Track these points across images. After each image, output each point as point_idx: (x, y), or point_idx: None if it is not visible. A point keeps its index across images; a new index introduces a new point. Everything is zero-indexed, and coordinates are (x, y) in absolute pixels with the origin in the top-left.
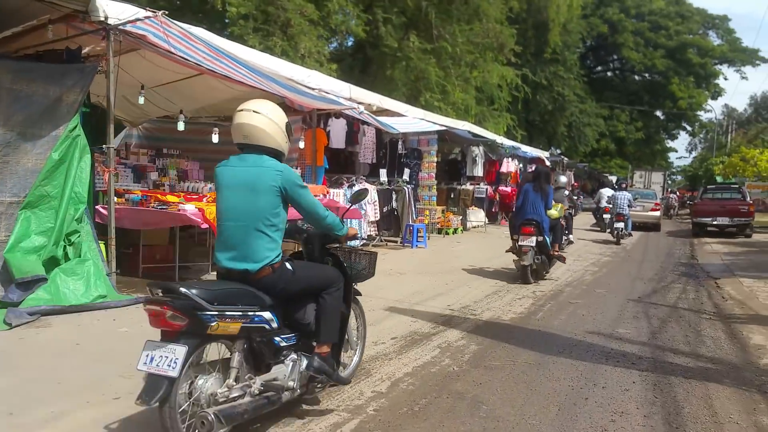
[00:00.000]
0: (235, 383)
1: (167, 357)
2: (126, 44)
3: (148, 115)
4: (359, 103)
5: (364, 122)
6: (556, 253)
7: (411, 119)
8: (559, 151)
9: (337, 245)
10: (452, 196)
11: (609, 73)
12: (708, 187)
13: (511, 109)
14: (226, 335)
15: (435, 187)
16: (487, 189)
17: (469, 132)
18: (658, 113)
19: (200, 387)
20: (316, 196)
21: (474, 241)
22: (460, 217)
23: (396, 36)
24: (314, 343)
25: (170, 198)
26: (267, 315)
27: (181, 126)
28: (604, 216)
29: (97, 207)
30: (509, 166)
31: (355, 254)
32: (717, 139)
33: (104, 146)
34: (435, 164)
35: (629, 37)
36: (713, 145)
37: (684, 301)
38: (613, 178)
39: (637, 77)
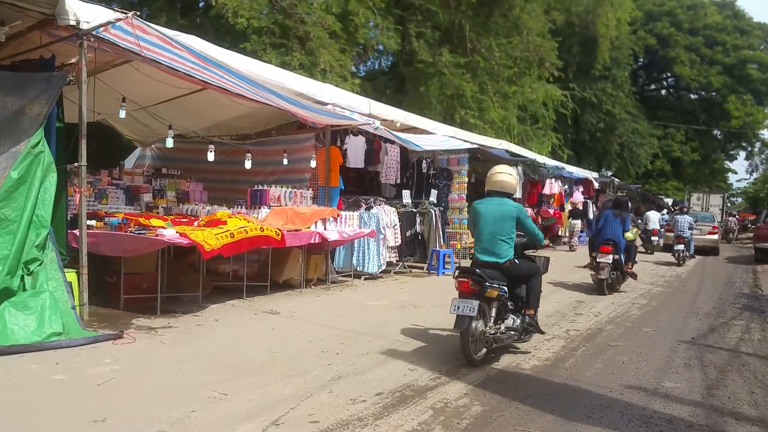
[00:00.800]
0: (493, 325)
1: (468, 306)
2: (117, 55)
3: (156, 134)
4: (382, 120)
5: (387, 140)
6: (629, 270)
7: (440, 137)
8: (610, 173)
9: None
10: None
11: (663, 92)
12: None
13: (557, 128)
14: (491, 297)
15: (466, 209)
16: (519, 206)
17: (506, 151)
18: (716, 132)
19: (478, 326)
20: (324, 219)
21: None
22: None
23: (429, 51)
24: (524, 310)
25: (154, 222)
26: (506, 288)
27: (169, 143)
28: (652, 238)
29: (74, 231)
30: (552, 187)
31: (536, 257)
32: None
33: (76, 164)
34: (466, 185)
35: (681, 53)
36: None
37: (747, 343)
38: (669, 201)
39: (692, 95)
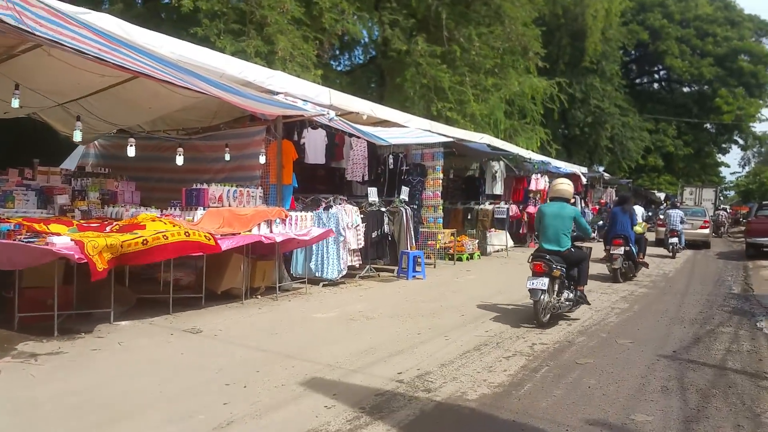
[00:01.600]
0: (557, 297)
1: (540, 281)
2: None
3: (95, 129)
4: (346, 112)
5: (352, 134)
6: (641, 260)
7: (413, 130)
8: (602, 169)
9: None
10: (469, 217)
11: (655, 85)
12: (764, 203)
13: (545, 123)
14: (555, 276)
15: (441, 207)
16: (508, 209)
17: (487, 145)
18: (708, 126)
19: (545, 297)
20: (270, 221)
21: (488, 269)
22: (477, 240)
23: (404, 40)
24: (577, 287)
25: (54, 227)
26: (565, 269)
27: (77, 136)
28: None
29: None
30: (538, 183)
31: (584, 247)
32: None
33: None
34: (441, 181)
35: (673, 45)
36: None
37: (736, 356)
38: (662, 195)
39: (685, 89)
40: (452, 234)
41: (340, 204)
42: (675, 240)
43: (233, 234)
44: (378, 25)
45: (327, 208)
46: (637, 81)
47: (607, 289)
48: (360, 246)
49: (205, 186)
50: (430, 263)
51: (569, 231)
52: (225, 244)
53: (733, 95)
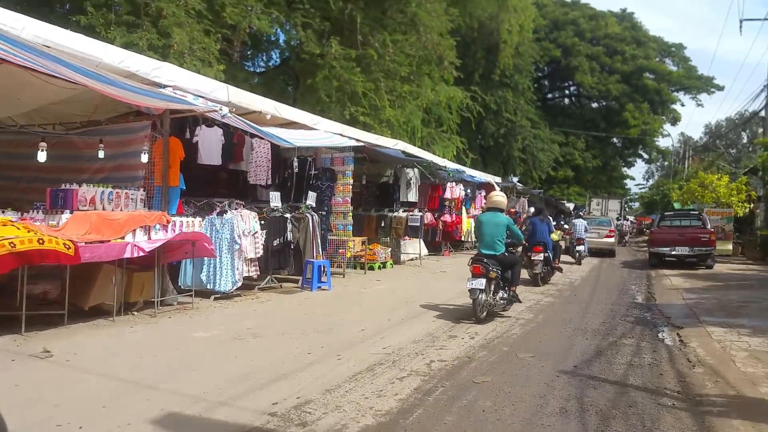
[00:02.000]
0: (493, 296)
1: (479, 282)
2: None
3: None
4: (249, 111)
5: (254, 135)
6: (556, 265)
7: (321, 133)
8: (516, 179)
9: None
10: (383, 224)
11: (566, 100)
12: (665, 213)
13: (461, 132)
14: (491, 278)
15: (351, 214)
16: (422, 216)
17: (402, 152)
18: (615, 140)
19: (482, 297)
20: (148, 227)
21: (399, 278)
22: (390, 249)
23: (317, 42)
24: (510, 287)
25: None
26: (500, 272)
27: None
28: None
29: None
30: (453, 191)
31: (514, 253)
32: (673, 166)
33: None
34: (351, 187)
35: (583, 61)
36: (670, 172)
37: (637, 371)
38: (571, 206)
39: (594, 104)
40: (363, 242)
41: (236, 209)
42: (581, 248)
43: (102, 241)
44: (291, 26)
45: (221, 213)
46: (549, 96)
47: (522, 296)
48: (259, 255)
49: (74, 186)
50: (340, 273)
51: (503, 237)
52: (87, 254)
53: (639, 110)
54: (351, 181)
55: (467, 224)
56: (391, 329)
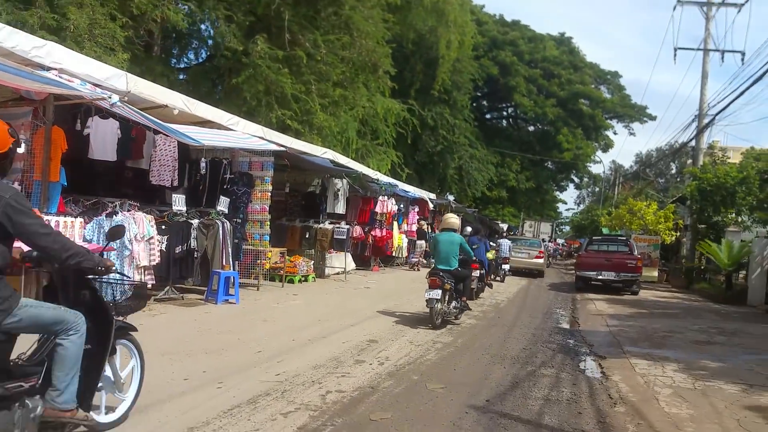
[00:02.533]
0: (447, 305)
1: (435, 293)
2: None
3: None
4: (157, 105)
5: (158, 131)
6: (489, 281)
7: (239, 134)
8: (452, 197)
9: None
10: (307, 236)
11: (504, 122)
12: (593, 238)
13: (397, 146)
14: (446, 289)
15: (268, 223)
16: (348, 229)
17: (331, 161)
18: (549, 164)
19: (438, 306)
20: None
21: (319, 293)
22: (312, 261)
23: (241, 38)
24: (461, 297)
25: None
26: (453, 284)
27: None
28: None
29: None
30: (385, 205)
31: (466, 268)
32: (604, 192)
33: None
34: (269, 194)
35: (521, 82)
36: (600, 197)
37: (554, 407)
38: (505, 226)
39: (530, 128)
40: (282, 253)
41: (129, 210)
42: (506, 266)
43: None
44: (210, 20)
45: (111, 214)
46: (488, 116)
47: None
48: (154, 262)
49: None
50: (254, 286)
51: (457, 254)
52: None
53: (573, 135)
54: (270, 187)
55: (398, 239)
56: (294, 351)
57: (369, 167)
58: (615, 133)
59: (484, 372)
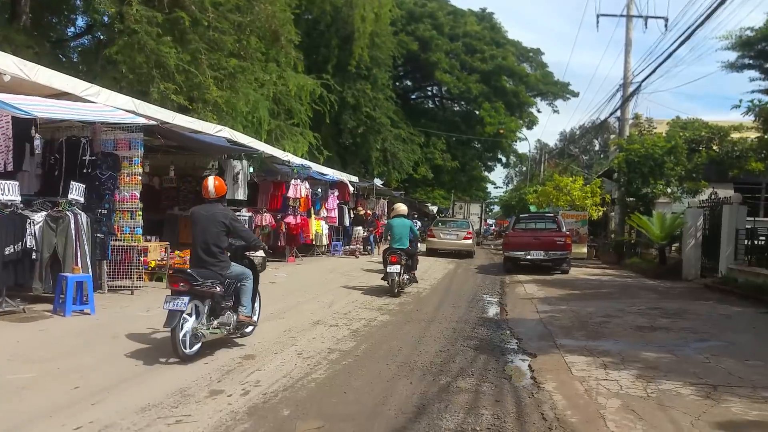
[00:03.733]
0: (404, 277)
1: (396, 267)
2: None
3: None
4: None
5: None
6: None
7: (99, 107)
8: (381, 181)
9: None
10: None
11: (429, 103)
12: (520, 216)
13: (315, 127)
14: (402, 264)
15: (140, 213)
16: (251, 217)
17: (227, 140)
18: (476, 144)
19: (397, 278)
20: None
21: None
22: None
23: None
24: (411, 271)
25: None
26: (405, 259)
27: None
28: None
29: None
30: (298, 190)
31: (414, 246)
32: (531, 170)
33: None
34: (139, 178)
35: (442, 57)
36: (527, 176)
37: None
38: (435, 208)
39: (456, 107)
40: (165, 248)
41: None
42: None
43: None
44: None
45: None
46: (413, 96)
47: (352, 315)
48: None
49: None
50: (127, 289)
51: (408, 236)
52: None
53: (495, 110)
54: (139, 170)
55: (317, 226)
56: (125, 384)
57: (285, 150)
58: (539, 111)
59: (383, 393)
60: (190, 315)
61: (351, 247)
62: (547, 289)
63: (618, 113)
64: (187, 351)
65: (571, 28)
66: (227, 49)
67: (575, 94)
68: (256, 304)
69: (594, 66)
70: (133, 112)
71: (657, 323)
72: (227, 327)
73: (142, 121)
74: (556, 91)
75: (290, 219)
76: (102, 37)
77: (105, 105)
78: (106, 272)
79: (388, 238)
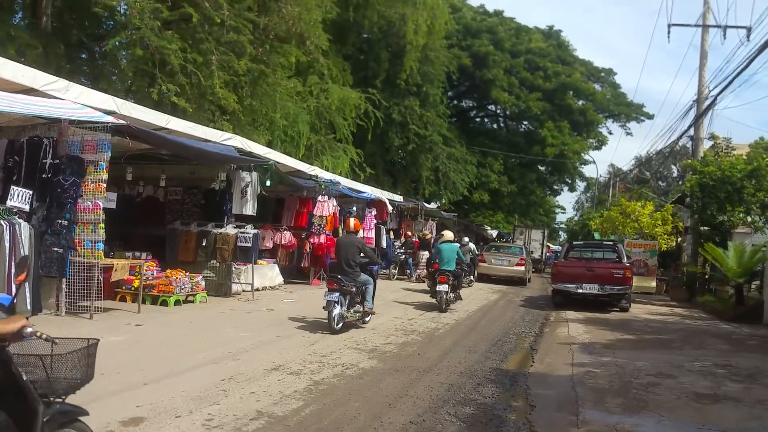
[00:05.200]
0: (451, 293)
1: (444, 286)
2: None
3: None
4: None
5: None
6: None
7: (67, 104)
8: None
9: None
10: (204, 243)
11: (490, 122)
12: (574, 243)
13: (361, 144)
14: (450, 283)
15: (102, 225)
16: (256, 234)
17: (235, 149)
18: (540, 166)
19: (444, 296)
20: None
21: (179, 322)
22: (199, 276)
23: None
24: (457, 290)
25: None
26: (453, 279)
27: None
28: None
29: None
30: (324, 207)
31: (461, 268)
32: (597, 194)
33: None
34: (103, 185)
35: (500, 74)
36: (594, 200)
37: None
38: (494, 233)
39: (519, 127)
40: (139, 265)
41: None
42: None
43: None
44: None
45: None
46: (473, 115)
47: (330, 358)
48: None
49: None
50: (85, 314)
51: (454, 259)
52: None
53: (559, 130)
54: (105, 176)
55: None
56: None
57: (324, 166)
58: (610, 133)
59: None
60: (338, 304)
61: (418, 272)
62: (596, 332)
63: (691, 131)
64: (335, 327)
65: (641, 49)
66: (247, 53)
67: (650, 116)
68: (373, 301)
69: (665, 91)
70: (112, 112)
71: (723, 389)
72: (358, 313)
73: (108, 119)
74: (629, 112)
75: (315, 238)
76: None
77: (74, 102)
78: (64, 292)
79: (437, 261)
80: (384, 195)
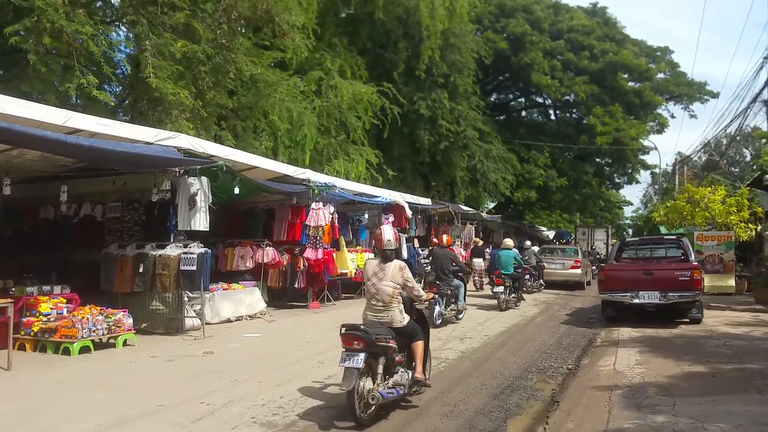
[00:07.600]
0: (510, 295)
1: (500, 288)
2: None
3: None
4: None
5: None
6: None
7: None
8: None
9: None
10: (141, 269)
11: (534, 112)
12: (627, 241)
13: (380, 144)
14: (506, 286)
15: None
16: (202, 254)
17: (176, 149)
18: (596, 158)
19: (503, 296)
20: None
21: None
22: (122, 313)
23: None
24: (519, 291)
25: None
26: (511, 282)
27: None
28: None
29: None
30: (319, 216)
31: (519, 272)
32: (661, 183)
33: None
34: None
35: (539, 57)
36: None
37: None
38: (551, 234)
39: (571, 116)
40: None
41: None
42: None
43: None
44: None
45: None
46: (516, 108)
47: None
48: None
49: None
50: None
51: (512, 264)
52: None
53: (610, 115)
54: None
55: (343, 263)
56: None
57: (336, 171)
58: (672, 116)
59: None
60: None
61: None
62: (653, 362)
63: (765, 94)
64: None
65: (693, 33)
66: (201, 37)
67: (715, 95)
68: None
69: (724, 73)
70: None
71: None
72: (453, 311)
73: None
74: (691, 92)
75: (309, 253)
76: None
77: None
78: None
79: (497, 267)
80: (402, 198)
